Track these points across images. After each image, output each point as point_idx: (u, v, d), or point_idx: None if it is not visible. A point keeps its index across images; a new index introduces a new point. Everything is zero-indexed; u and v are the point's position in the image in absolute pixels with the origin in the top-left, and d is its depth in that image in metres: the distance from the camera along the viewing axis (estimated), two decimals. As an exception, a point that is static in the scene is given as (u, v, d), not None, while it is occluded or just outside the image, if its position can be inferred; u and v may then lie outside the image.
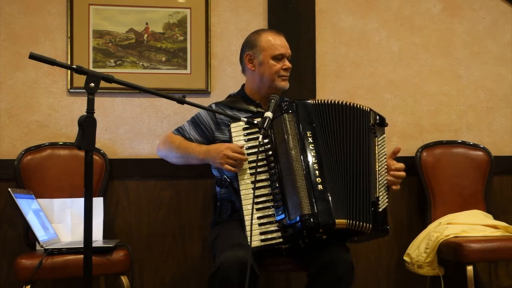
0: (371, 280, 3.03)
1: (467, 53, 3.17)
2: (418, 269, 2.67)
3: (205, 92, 2.90)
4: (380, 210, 2.11)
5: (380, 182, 2.15)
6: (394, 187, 2.21)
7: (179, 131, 2.43)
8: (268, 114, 2.06)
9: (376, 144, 2.19)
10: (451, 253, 2.54)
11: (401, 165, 2.24)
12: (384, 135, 2.24)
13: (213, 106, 2.45)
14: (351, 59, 3.07)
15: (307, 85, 2.96)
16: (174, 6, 2.90)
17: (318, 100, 2.21)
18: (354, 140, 2.15)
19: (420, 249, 2.67)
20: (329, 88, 3.02)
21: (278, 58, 2.37)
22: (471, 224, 2.67)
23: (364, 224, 2.04)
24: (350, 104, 2.21)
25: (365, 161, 2.14)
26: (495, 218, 2.83)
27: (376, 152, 2.17)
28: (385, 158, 2.21)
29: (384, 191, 2.16)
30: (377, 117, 2.24)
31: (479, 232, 2.62)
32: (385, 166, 2.19)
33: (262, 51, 2.37)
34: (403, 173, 2.23)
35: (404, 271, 2.81)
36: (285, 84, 2.39)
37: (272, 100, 2.13)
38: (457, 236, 2.59)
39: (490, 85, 3.19)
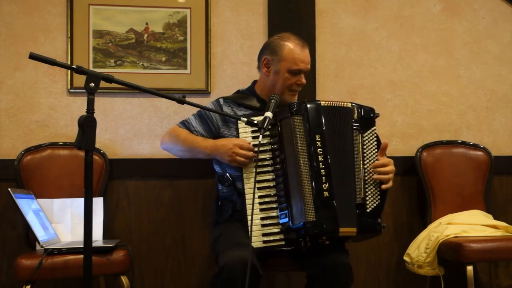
0: (371, 280, 3.03)
1: (467, 53, 3.17)
2: (418, 269, 2.66)
3: (205, 92, 2.90)
4: (368, 210, 2.06)
5: (368, 181, 2.09)
6: (383, 186, 2.10)
7: (185, 124, 2.38)
8: (268, 114, 2.05)
9: (360, 141, 2.11)
10: (451, 253, 2.54)
11: (384, 160, 2.12)
12: (374, 128, 2.15)
13: (221, 100, 2.39)
14: (351, 59, 3.07)
15: (307, 85, 2.91)
16: (174, 6, 2.90)
17: (329, 102, 2.13)
18: (341, 141, 2.09)
19: (420, 249, 2.67)
20: (329, 88, 3.02)
21: (295, 72, 2.29)
22: (471, 224, 2.67)
23: (349, 228, 2.01)
24: (337, 103, 2.14)
25: (350, 161, 2.07)
26: (495, 218, 2.83)
27: (360, 150, 2.10)
28: (375, 154, 2.13)
29: (373, 189, 2.09)
30: (361, 111, 2.15)
31: (479, 232, 2.62)
32: (374, 162, 2.11)
33: (281, 61, 2.28)
34: (387, 168, 2.11)
35: (404, 271, 2.81)
36: (293, 99, 2.33)
37: (272, 100, 2.12)
38: (457, 236, 2.58)
39: (490, 85, 3.19)
